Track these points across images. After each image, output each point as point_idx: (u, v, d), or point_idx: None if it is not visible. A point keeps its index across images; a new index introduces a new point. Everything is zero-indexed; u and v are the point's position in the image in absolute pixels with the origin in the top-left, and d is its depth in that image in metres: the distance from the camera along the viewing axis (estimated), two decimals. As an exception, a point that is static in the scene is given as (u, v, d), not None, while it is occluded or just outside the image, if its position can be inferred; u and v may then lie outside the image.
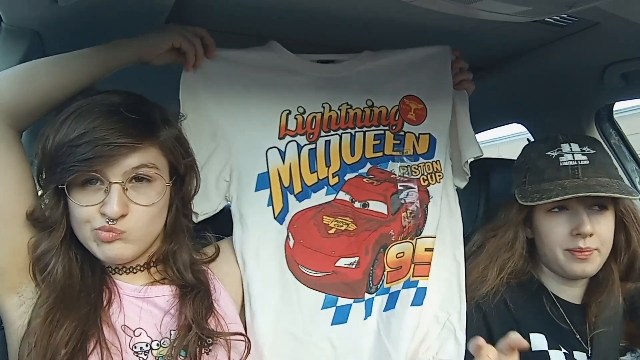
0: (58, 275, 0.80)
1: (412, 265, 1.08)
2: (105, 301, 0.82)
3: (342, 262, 1.03)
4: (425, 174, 1.11)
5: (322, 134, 1.05)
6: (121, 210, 0.78)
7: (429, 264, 1.09)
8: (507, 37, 1.18)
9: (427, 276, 1.09)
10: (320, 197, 1.04)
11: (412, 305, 1.06)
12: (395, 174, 1.09)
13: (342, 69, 1.09)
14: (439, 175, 1.12)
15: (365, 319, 1.03)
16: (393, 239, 1.06)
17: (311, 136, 1.04)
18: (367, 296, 1.04)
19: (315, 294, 1.01)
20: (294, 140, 1.03)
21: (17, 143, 0.83)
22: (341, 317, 1.01)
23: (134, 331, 0.82)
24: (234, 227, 1.00)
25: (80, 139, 0.76)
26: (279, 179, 1.01)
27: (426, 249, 1.09)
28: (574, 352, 1.01)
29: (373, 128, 1.09)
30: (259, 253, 0.98)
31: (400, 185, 1.09)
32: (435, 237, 1.10)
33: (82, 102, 0.80)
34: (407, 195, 1.09)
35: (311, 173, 1.03)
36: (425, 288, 1.08)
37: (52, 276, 0.80)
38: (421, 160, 1.12)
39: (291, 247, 1.01)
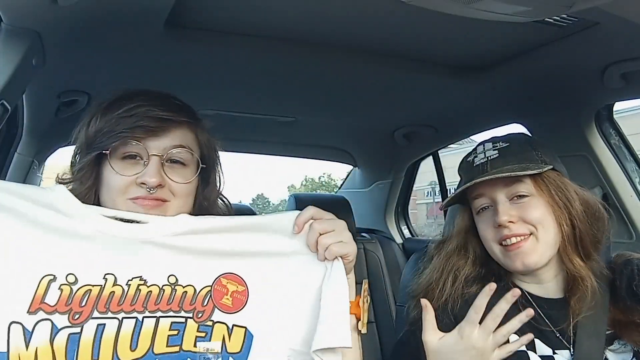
0: None
1: None
2: None
3: None
4: None
5: (96, 314, 0.76)
6: (158, 179, 0.83)
7: None
8: (507, 37, 1.18)
9: None
10: None
11: None
12: None
13: (145, 231, 0.82)
14: None
15: None
16: None
17: (77, 317, 0.75)
18: None
19: None
20: (49, 320, 0.74)
21: None
22: None
23: None
24: None
25: (129, 111, 0.82)
26: None
27: None
28: (556, 351, 0.99)
29: (171, 314, 0.80)
30: None
31: None
32: None
33: (125, 91, 0.86)
34: None
35: None
36: None
37: None
38: None
39: None
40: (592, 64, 1.27)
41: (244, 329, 0.84)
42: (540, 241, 1.00)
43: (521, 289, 1.06)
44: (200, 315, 0.82)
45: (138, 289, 0.79)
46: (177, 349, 0.79)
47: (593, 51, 1.19)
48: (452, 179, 1.05)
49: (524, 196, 1.02)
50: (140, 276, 0.80)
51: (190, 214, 0.87)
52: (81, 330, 0.75)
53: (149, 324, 0.78)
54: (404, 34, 1.15)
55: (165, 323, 0.79)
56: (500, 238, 1.01)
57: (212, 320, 0.82)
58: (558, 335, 1.01)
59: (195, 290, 0.83)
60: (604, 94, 1.40)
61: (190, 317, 0.81)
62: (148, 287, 0.80)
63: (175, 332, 0.80)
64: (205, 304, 0.82)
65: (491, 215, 1.03)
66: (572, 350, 0.99)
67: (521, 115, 1.67)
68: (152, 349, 0.78)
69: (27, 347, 0.72)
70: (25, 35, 0.96)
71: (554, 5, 0.78)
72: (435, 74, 1.43)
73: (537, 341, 1.01)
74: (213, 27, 1.12)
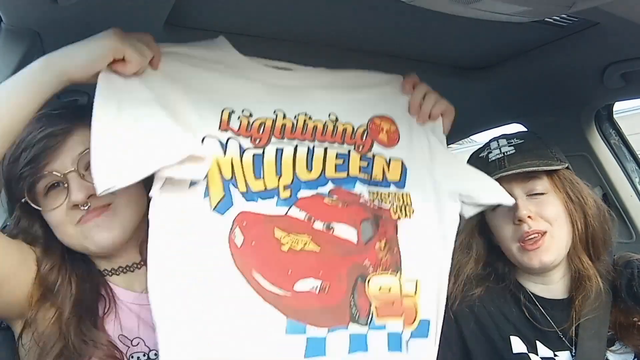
0: (66, 289, 0.80)
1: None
2: (101, 310, 0.83)
3: (301, 285, 0.80)
4: (395, 205, 0.93)
5: (274, 140, 0.87)
6: (86, 192, 0.78)
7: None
8: (507, 37, 1.18)
9: None
10: (269, 207, 0.83)
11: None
12: (366, 198, 0.92)
13: (300, 77, 0.93)
14: (410, 210, 0.93)
15: (350, 352, 0.80)
16: (371, 271, 0.86)
17: (258, 141, 0.85)
18: (353, 327, 0.81)
19: (275, 313, 0.76)
20: (236, 140, 0.84)
21: None
22: (316, 349, 0.77)
23: (131, 341, 0.82)
24: (152, 217, 0.75)
25: (17, 149, 0.78)
26: (218, 170, 0.80)
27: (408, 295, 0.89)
28: (557, 352, 1.00)
29: (336, 145, 0.92)
30: (193, 251, 0.76)
31: (372, 212, 0.91)
32: (416, 282, 0.90)
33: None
34: (380, 225, 0.90)
35: (256, 179, 0.83)
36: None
37: (62, 291, 0.80)
38: (392, 188, 0.94)
39: (238, 245, 0.78)
40: (592, 64, 1.27)
41: (400, 162, 0.96)
42: (555, 239, 1.01)
43: (525, 289, 1.07)
44: (360, 148, 0.94)
45: (305, 123, 0.90)
46: (345, 174, 0.91)
47: (593, 51, 1.19)
48: (452, 179, 1.05)
49: (540, 194, 1.02)
50: (305, 112, 0.90)
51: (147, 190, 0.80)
52: (263, 152, 0.86)
53: (318, 151, 0.90)
54: (403, 34, 1.15)
55: (332, 152, 0.91)
56: (521, 236, 1.01)
57: (373, 153, 0.95)
58: (560, 335, 1.01)
59: (353, 127, 0.94)
60: (604, 94, 1.40)
61: (352, 149, 0.93)
62: (313, 121, 0.91)
63: (341, 161, 0.92)
64: (364, 138, 0.95)
65: (507, 211, 1.03)
66: (573, 351, 0.99)
67: (521, 115, 1.67)
68: (324, 172, 0.90)
69: (224, 154, 0.82)
70: (25, 35, 0.96)
71: (554, 5, 0.78)
72: (435, 74, 1.42)
73: (538, 343, 1.01)
74: (213, 27, 1.12)
